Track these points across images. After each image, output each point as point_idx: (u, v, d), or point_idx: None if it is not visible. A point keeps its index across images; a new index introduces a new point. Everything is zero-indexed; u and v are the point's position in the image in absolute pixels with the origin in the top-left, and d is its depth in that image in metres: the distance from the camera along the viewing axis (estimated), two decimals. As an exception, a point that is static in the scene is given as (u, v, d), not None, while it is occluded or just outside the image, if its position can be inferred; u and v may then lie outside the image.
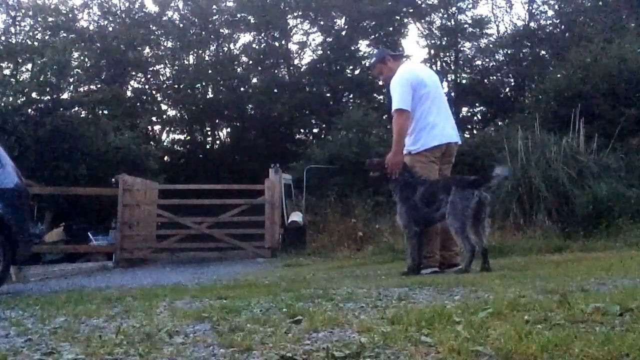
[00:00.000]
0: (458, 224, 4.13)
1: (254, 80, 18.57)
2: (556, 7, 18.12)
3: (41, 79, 12.99)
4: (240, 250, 9.12)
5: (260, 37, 19.01)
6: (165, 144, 18.63)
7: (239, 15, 18.60)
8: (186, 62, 18.90)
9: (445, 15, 19.12)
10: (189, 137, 19.09)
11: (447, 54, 19.46)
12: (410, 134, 4.51)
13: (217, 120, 19.04)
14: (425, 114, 4.48)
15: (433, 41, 19.32)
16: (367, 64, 18.74)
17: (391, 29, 18.70)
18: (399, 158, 4.45)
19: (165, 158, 16.81)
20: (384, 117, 17.22)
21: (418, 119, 4.49)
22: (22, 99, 12.62)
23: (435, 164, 4.52)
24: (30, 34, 16.57)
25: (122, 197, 8.65)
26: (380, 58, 4.84)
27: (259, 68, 18.78)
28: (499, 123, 17.05)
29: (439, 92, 4.74)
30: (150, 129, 18.25)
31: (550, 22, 18.36)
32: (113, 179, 9.32)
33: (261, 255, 8.75)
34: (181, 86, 18.26)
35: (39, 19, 16.58)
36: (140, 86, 19.21)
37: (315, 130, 18.88)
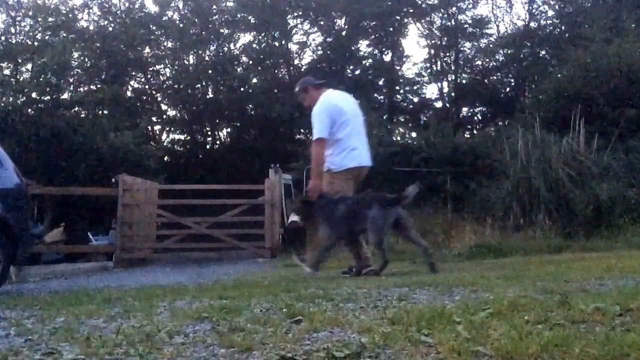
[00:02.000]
0: (377, 238, 4.51)
1: (254, 80, 18.56)
2: (556, 7, 18.11)
3: (41, 79, 12.98)
4: (240, 251, 9.11)
5: (260, 37, 19.00)
6: (165, 144, 18.62)
7: (239, 15, 18.58)
8: (186, 62, 18.88)
9: (445, 15, 19.11)
10: (189, 137, 19.08)
11: (447, 54, 19.45)
12: (332, 155, 4.83)
13: (217, 120, 19.03)
14: (346, 138, 4.82)
15: (433, 41, 19.32)
16: (367, 64, 18.82)
17: (391, 29, 18.69)
18: (317, 183, 4.83)
19: (165, 158, 16.80)
20: (384, 117, 17.25)
21: (339, 142, 4.82)
22: (22, 99, 12.61)
23: (351, 182, 4.86)
24: (30, 34, 16.56)
25: (122, 197, 8.63)
26: (302, 88, 5.18)
27: (259, 68, 18.77)
28: (499, 123, 17.05)
29: (358, 118, 5.06)
30: (150, 129, 18.24)
31: (550, 22, 18.35)
32: (113, 179, 9.31)
33: (261, 256, 8.74)
34: (181, 86, 18.24)
35: (39, 19, 16.56)
36: (140, 86, 19.20)
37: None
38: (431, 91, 21.12)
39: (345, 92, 5.33)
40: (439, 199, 11.35)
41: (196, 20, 18.69)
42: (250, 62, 18.96)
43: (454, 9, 18.81)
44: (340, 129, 4.80)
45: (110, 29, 18.11)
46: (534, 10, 18.54)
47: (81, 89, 16.04)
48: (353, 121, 4.91)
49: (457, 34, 18.84)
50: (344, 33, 18.58)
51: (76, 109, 14.10)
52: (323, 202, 4.76)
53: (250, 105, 18.24)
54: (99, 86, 16.52)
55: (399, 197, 4.61)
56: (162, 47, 18.93)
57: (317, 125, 4.82)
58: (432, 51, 19.35)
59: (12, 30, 16.56)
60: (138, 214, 8.96)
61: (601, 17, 14.50)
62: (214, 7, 18.78)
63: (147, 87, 19.23)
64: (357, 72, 18.62)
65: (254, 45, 18.95)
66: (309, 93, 5.10)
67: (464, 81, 19.10)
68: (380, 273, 4.56)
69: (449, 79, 19.29)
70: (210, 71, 18.17)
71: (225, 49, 19.16)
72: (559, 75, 12.50)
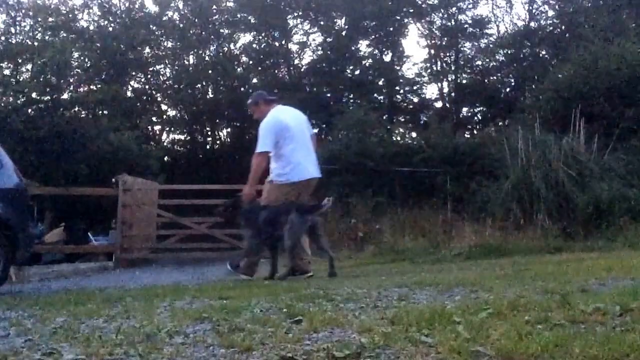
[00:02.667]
0: (290, 242, 4.78)
1: (254, 80, 18.53)
2: (556, 7, 18.07)
3: (41, 79, 12.96)
4: (240, 250, 9.11)
5: (260, 37, 18.97)
6: (165, 144, 18.59)
7: (239, 15, 18.56)
8: (186, 62, 18.86)
9: (445, 15, 19.07)
10: (189, 137, 19.05)
11: (447, 54, 19.41)
12: (277, 168, 5.14)
13: (217, 120, 19.01)
14: (290, 153, 5.10)
15: (433, 41, 19.29)
16: (367, 64, 18.81)
17: (391, 29, 18.66)
18: (252, 191, 5.17)
19: (165, 158, 16.75)
20: (384, 117, 17.24)
21: (284, 157, 5.10)
22: (22, 99, 12.58)
23: (288, 198, 5.09)
24: (30, 34, 16.52)
25: (122, 197, 8.64)
26: (254, 101, 5.47)
27: (259, 68, 18.74)
28: (499, 123, 17.03)
29: (303, 132, 5.34)
30: (150, 129, 18.22)
31: (551, 22, 18.31)
32: (113, 179, 9.31)
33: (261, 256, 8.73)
34: (181, 86, 18.21)
35: (39, 19, 16.52)
36: (140, 86, 19.16)
37: (315, 131, 18.80)
38: (431, 91, 21.04)
39: (294, 108, 5.63)
40: (439, 199, 11.35)
41: (196, 20, 18.66)
42: (250, 62, 18.94)
43: (454, 9, 18.77)
44: (285, 143, 5.08)
45: (111, 29, 18.08)
46: (534, 10, 18.51)
47: (81, 89, 15.99)
48: (298, 137, 5.19)
49: (457, 34, 18.79)
50: (344, 33, 18.55)
51: (76, 109, 14.07)
52: (249, 209, 5.08)
53: (250, 105, 18.19)
54: (99, 86, 16.48)
55: (315, 207, 5.00)
56: (162, 47, 18.90)
57: (262, 138, 5.10)
58: (432, 51, 19.31)
59: (12, 30, 16.51)
60: (138, 214, 8.96)
61: (601, 17, 14.49)
62: (214, 7, 18.76)
63: (147, 87, 19.20)
64: (357, 72, 18.59)
65: (254, 45, 18.92)
66: (260, 107, 5.37)
67: (464, 81, 19.05)
68: (285, 278, 4.74)
69: (449, 79, 19.24)
70: (210, 71, 18.14)
71: (225, 49, 19.13)
72: (559, 75, 12.48)
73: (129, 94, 18.35)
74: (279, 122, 5.16)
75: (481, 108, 18.95)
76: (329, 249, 5.08)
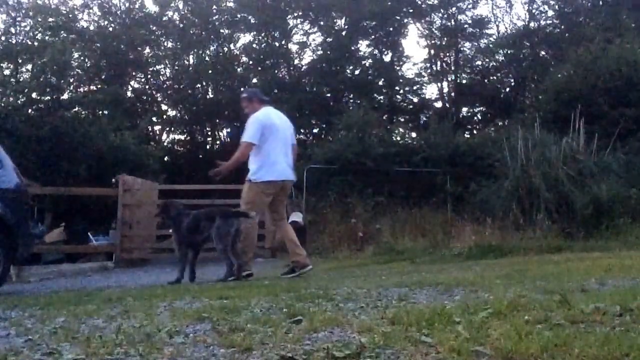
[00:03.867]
0: (221, 245, 5.03)
1: (254, 80, 18.52)
2: (556, 7, 18.07)
3: (41, 79, 12.95)
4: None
5: (260, 37, 18.98)
6: (165, 144, 18.59)
7: (239, 15, 18.56)
8: (186, 62, 18.86)
9: (445, 15, 19.07)
10: (189, 137, 19.05)
11: (447, 54, 19.41)
12: (254, 166, 5.30)
13: (217, 120, 19.01)
14: (269, 152, 5.26)
15: (433, 41, 19.28)
16: (367, 64, 18.82)
17: (391, 29, 18.66)
18: (226, 170, 5.47)
19: (165, 158, 16.75)
20: (384, 117, 17.24)
21: (264, 154, 5.27)
22: (23, 99, 12.58)
23: (266, 197, 5.27)
24: (30, 34, 16.50)
25: (122, 197, 8.64)
26: (249, 97, 5.69)
27: (259, 68, 18.74)
28: (499, 123, 17.03)
29: (287, 137, 5.50)
30: (150, 129, 18.20)
31: (550, 22, 18.31)
32: (113, 179, 9.31)
33: (261, 256, 8.75)
34: (181, 86, 18.22)
35: (39, 19, 16.51)
36: (140, 86, 19.16)
37: (315, 131, 18.84)
38: (431, 91, 20.98)
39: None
40: (439, 199, 11.35)
41: (196, 20, 18.65)
42: (250, 62, 18.94)
43: (454, 9, 18.77)
44: (268, 141, 5.25)
45: (111, 29, 18.09)
46: (534, 10, 18.50)
47: (81, 89, 16.01)
48: (281, 138, 5.36)
49: (457, 34, 18.80)
50: (344, 33, 18.55)
51: (76, 109, 14.07)
52: (175, 215, 5.30)
53: (250, 105, 18.18)
54: (99, 86, 16.48)
55: (240, 212, 5.18)
56: (162, 47, 18.91)
57: (250, 130, 5.30)
58: (432, 51, 19.30)
59: (12, 30, 16.49)
60: (138, 214, 8.96)
61: (601, 17, 14.49)
62: (214, 7, 18.76)
63: (147, 87, 19.20)
64: (357, 72, 18.59)
65: (254, 45, 18.92)
66: (253, 103, 5.55)
67: (464, 81, 19.06)
68: (227, 280, 4.89)
69: (449, 79, 19.26)
70: (210, 71, 18.13)
71: (225, 49, 19.13)
72: (559, 75, 12.48)
73: (129, 94, 18.35)
74: (268, 118, 5.34)
75: (481, 108, 18.96)
76: (241, 256, 5.16)
